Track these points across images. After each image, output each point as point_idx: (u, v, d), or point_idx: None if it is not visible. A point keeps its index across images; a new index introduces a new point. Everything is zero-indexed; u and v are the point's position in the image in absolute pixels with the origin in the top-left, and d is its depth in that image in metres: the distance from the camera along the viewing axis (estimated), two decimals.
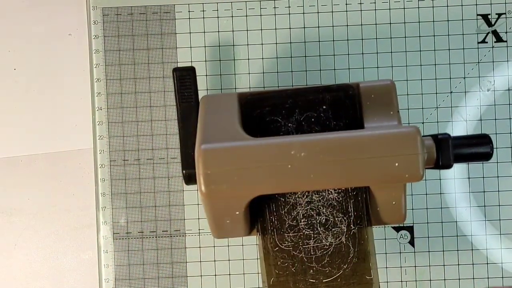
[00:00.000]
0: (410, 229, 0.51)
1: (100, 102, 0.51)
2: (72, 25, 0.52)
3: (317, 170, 0.34)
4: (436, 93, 0.51)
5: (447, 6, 0.51)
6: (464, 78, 0.51)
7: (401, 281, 0.50)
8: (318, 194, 0.38)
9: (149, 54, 0.51)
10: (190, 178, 0.41)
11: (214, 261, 0.51)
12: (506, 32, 0.51)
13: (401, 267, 0.51)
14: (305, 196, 0.38)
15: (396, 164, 0.34)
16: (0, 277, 0.51)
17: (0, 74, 0.52)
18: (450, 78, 0.51)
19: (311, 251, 0.38)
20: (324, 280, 0.38)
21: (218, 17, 0.51)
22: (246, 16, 0.51)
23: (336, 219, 0.38)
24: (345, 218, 0.38)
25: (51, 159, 0.51)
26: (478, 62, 0.51)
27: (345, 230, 0.38)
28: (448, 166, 0.37)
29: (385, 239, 0.51)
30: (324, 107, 0.39)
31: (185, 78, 0.43)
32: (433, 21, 0.51)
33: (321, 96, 0.39)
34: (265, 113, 0.39)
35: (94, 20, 0.51)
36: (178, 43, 0.51)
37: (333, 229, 0.38)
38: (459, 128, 0.51)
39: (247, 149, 0.35)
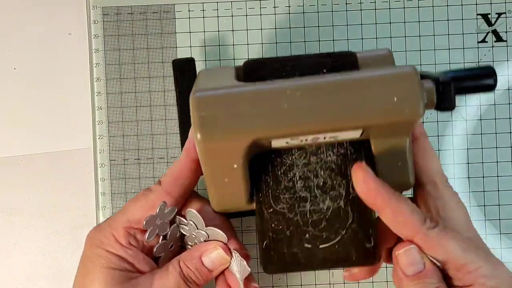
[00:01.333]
0: None
1: (100, 101, 0.51)
2: (72, 25, 0.52)
3: (314, 110, 0.33)
4: None
5: (447, 5, 0.51)
6: None
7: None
8: (316, 156, 0.37)
9: (149, 54, 0.51)
10: None
11: None
12: (506, 32, 0.51)
13: None
14: (302, 158, 0.37)
15: (395, 99, 0.33)
16: (0, 277, 0.51)
17: (0, 73, 0.52)
18: None
19: (308, 214, 0.37)
20: (320, 246, 0.37)
21: (218, 16, 0.51)
22: (246, 15, 0.51)
23: (335, 182, 0.37)
24: (344, 181, 0.37)
25: (51, 158, 0.51)
26: (478, 62, 0.51)
27: (344, 194, 0.37)
28: (451, 108, 0.35)
29: None
30: (324, 70, 0.37)
31: (184, 69, 0.43)
32: (433, 21, 0.51)
33: (321, 60, 0.38)
34: (265, 74, 0.37)
35: (94, 19, 0.51)
36: (178, 43, 0.51)
37: (331, 193, 0.37)
38: (459, 128, 0.51)
39: (241, 92, 0.34)
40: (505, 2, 0.50)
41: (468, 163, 0.51)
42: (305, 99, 0.33)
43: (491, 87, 0.37)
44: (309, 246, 0.37)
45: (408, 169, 0.37)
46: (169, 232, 0.40)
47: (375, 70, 0.34)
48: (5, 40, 0.52)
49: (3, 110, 0.52)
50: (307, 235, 0.37)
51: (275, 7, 0.51)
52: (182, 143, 0.42)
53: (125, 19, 0.51)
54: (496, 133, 0.51)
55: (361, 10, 0.51)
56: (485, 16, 0.50)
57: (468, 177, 0.51)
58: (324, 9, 0.51)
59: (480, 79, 0.37)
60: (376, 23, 0.51)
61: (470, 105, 0.51)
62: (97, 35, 0.51)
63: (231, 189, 0.36)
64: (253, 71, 0.38)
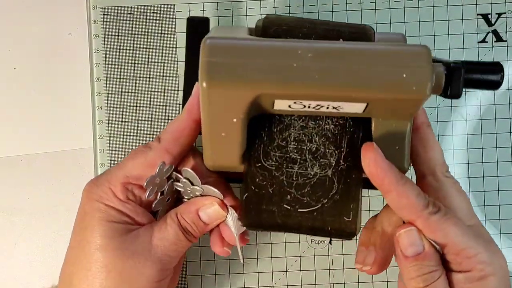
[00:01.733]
0: None
1: (100, 101, 0.51)
2: (72, 25, 0.52)
3: (323, 72, 0.33)
4: None
5: (447, 5, 0.51)
6: None
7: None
8: (315, 122, 0.37)
9: (149, 53, 0.51)
10: None
11: (214, 260, 0.51)
12: (506, 32, 0.51)
13: None
14: (301, 120, 0.37)
15: (404, 75, 0.32)
16: (0, 277, 0.51)
17: (0, 73, 0.52)
18: None
19: (294, 176, 0.37)
20: (299, 210, 0.37)
21: (218, 16, 0.51)
22: (246, 15, 0.51)
23: (327, 150, 0.37)
24: (336, 151, 0.37)
25: (51, 158, 0.51)
26: None
27: (333, 164, 0.37)
28: (457, 95, 0.35)
29: None
30: (340, 39, 0.37)
31: (198, 27, 0.42)
32: (433, 21, 0.51)
33: (339, 29, 0.37)
34: (281, 32, 0.37)
35: (94, 19, 0.51)
36: (178, 42, 0.51)
37: (321, 160, 0.37)
38: (459, 127, 0.51)
39: (253, 44, 0.33)
40: (505, 2, 0.50)
41: (468, 163, 0.51)
42: (316, 61, 0.33)
43: (497, 84, 0.37)
44: (288, 207, 0.37)
45: (405, 154, 0.37)
46: (166, 188, 0.41)
47: (389, 44, 0.34)
48: (5, 40, 0.52)
49: (3, 110, 0.52)
50: (288, 196, 0.37)
51: (275, 7, 0.51)
52: (184, 102, 0.41)
53: (125, 19, 0.51)
54: (496, 133, 0.51)
55: (361, 10, 0.51)
56: (485, 16, 0.50)
57: (468, 177, 0.51)
58: (324, 9, 0.51)
59: (489, 73, 0.36)
60: (376, 23, 0.51)
61: (470, 105, 0.51)
62: (97, 35, 0.51)
63: (226, 144, 0.36)
64: (270, 27, 0.37)
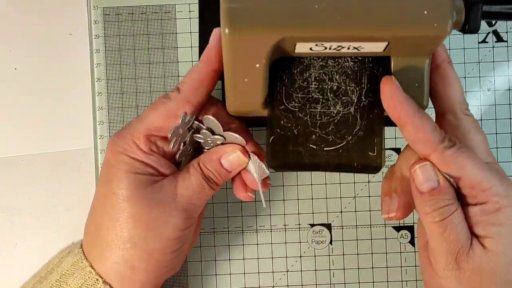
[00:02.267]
0: (411, 228, 0.51)
1: (101, 101, 0.51)
2: (73, 25, 0.52)
3: (345, 12, 0.33)
4: None
5: None
6: (465, 77, 0.51)
7: (401, 281, 0.50)
8: (334, 60, 0.38)
9: (150, 54, 0.51)
10: None
11: (215, 260, 0.51)
12: (507, 32, 0.51)
13: (401, 266, 0.51)
14: (320, 59, 0.38)
15: (425, 12, 0.33)
16: (0, 277, 0.51)
17: (1, 74, 0.52)
18: None
19: (317, 116, 0.38)
20: (325, 148, 0.37)
21: None
22: None
23: (348, 88, 0.38)
24: (357, 88, 0.37)
25: (52, 159, 0.51)
26: (479, 62, 0.51)
27: (355, 101, 0.37)
28: (475, 30, 0.36)
29: (386, 238, 0.51)
30: None
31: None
32: None
33: None
34: None
35: (94, 19, 0.51)
36: (178, 43, 0.51)
37: (343, 98, 0.37)
38: None
39: None
40: None
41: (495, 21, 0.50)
42: (337, 2, 0.33)
43: None
44: (314, 147, 0.37)
45: (424, 91, 0.37)
46: (188, 139, 0.41)
47: None
48: (6, 40, 0.52)
49: (4, 110, 0.52)
50: (313, 136, 0.38)
51: None
52: (200, 53, 0.41)
53: (125, 20, 0.51)
54: (496, 133, 0.51)
55: None
56: None
57: None
58: None
59: (509, 3, 0.37)
60: None
61: (470, 105, 0.50)
62: (98, 36, 0.51)
63: (249, 89, 0.37)
64: None
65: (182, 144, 0.41)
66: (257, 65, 0.35)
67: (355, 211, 0.51)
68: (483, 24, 0.51)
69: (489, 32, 0.51)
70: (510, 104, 0.51)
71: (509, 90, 0.51)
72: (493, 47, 0.51)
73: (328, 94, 0.38)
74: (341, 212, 0.51)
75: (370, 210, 0.51)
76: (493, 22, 0.51)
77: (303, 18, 0.33)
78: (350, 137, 0.37)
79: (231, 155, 0.41)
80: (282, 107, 0.38)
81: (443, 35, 0.34)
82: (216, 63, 0.39)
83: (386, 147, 0.51)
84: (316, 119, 0.38)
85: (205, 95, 0.41)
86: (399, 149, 0.51)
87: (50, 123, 0.51)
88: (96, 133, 0.51)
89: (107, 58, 0.51)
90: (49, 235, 0.51)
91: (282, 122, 0.38)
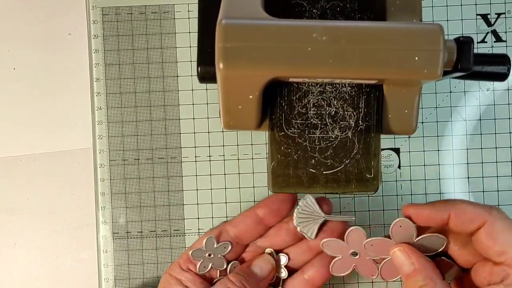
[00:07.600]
0: None
1: (100, 101, 0.51)
2: (71, 25, 0.52)
3: (337, 56, 0.34)
4: (436, 92, 0.51)
5: (447, 6, 0.51)
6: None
7: (401, 281, 0.50)
8: (332, 86, 0.38)
9: (149, 54, 0.51)
10: (204, 76, 0.40)
11: None
12: (506, 32, 0.51)
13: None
14: (318, 86, 0.38)
15: (416, 58, 0.33)
16: (0, 277, 0.51)
17: (0, 74, 0.52)
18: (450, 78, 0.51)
19: (316, 141, 0.38)
20: (324, 172, 0.38)
21: None
22: None
23: (346, 113, 0.38)
24: (354, 113, 0.38)
25: (51, 159, 0.51)
26: None
27: (353, 125, 0.38)
28: (467, 69, 0.36)
29: None
30: (354, 14, 0.38)
31: None
32: (433, 21, 0.51)
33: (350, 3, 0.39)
34: (293, 5, 0.38)
35: (93, 19, 0.51)
36: (177, 43, 0.51)
37: (341, 122, 0.38)
38: (458, 128, 0.51)
39: (268, 27, 0.34)
40: (505, 2, 0.50)
41: (467, 163, 0.51)
42: (330, 45, 0.34)
43: (504, 76, 0.38)
44: (314, 171, 0.38)
45: (413, 117, 0.38)
46: (229, 268, 0.45)
47: (402, 23, 0.36)
48: (5, 40, 0.52)
49: (3, 110, 0.52)
50: (313, 161, 0.38)
51: None
52: (199, 53, 0.41)
53: (124, 19, 0.51)
54: (495, 133, 0.51)
55: None
56: (484, 17, 0.50)
57: (468, 177, 0.51)
58: None
59: (496, 65, 0.38)
60: None
61: (469, 105, 0.51)
62: (96, 35, 0.51)
63: (243, 114, 0.38)
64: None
65: (218, 271, 0.45)
66: (251, 97, 0.36)
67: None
68: (482, 24, 0.50)
69: (488, 32, 0.51)
70: (509, 104, 0.51)
71: (508, 90, 0.51)
72: (492, 47, 0.51)
73: (327, 119, 0.38)
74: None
75: (369, 210, 0.50)
76: (492, 22, 0.51)
77: (296, 60, 0.34)
78: (348, 160, 0.38)
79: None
80: (282, 133, 0.39)
81: (434, 78, 0.34)
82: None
83: (385, 147, 0.51)
84: (315, 144, 0.38)
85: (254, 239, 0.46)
86: (398, 149, 0.51)
87: (49, 123, 0.51)
88: (95, 133, 0.51)
89: (106, 58, 0.51)
90: (49, 235, 0.51)
91: (282, 148, 0.38)
